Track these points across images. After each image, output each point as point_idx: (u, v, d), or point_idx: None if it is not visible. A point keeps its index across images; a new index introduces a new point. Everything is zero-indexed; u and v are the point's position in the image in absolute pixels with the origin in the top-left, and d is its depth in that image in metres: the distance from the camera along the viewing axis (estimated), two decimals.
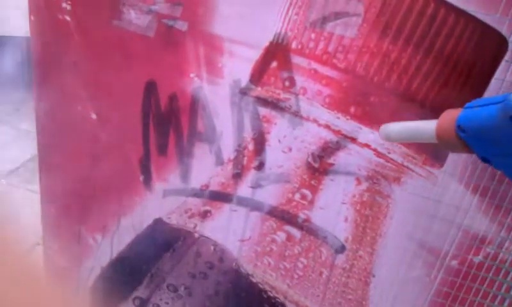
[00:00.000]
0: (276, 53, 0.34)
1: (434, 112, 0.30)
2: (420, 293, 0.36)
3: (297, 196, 0.37)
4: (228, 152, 0.38)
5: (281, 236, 0.38)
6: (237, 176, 0.38)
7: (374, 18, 0.31)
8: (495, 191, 0.32)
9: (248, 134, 0.37)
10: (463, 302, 0.35)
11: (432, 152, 0.33)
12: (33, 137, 0.44)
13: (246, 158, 0.37)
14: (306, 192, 0.37)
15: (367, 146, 0.34)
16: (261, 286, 0.41)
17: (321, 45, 0.33)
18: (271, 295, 0.40)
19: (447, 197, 0.33)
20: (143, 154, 0.40)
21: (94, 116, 0.41)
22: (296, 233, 0.38)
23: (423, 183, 0.33)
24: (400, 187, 0.34)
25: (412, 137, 0.31)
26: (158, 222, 0.42)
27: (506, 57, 0.29)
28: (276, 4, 0.33)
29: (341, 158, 0.35)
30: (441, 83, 0.31)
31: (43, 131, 0.43)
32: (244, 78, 0.35)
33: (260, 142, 0.36)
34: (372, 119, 0.33)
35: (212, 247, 0.41)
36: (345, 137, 0.34)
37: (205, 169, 0.39)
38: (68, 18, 0.38)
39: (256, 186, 0.38)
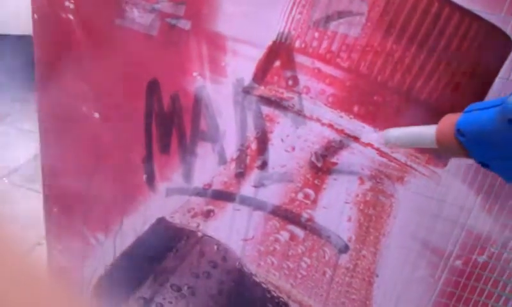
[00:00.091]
0: (280, 52, 0.34)
1: (437, 111, 0.30)
2: (424, 293, 0.36)
3: (300, 196, 0.37)
4: (231, 151, 0.38)
5: (284, 235, 0.38)
6: (240, 175, 0.38)
7: (377, 17, 0.31)
8: (498, 191, 0.32)
9: (251, 133, 0.37)
10: (467, 302, 0.35)
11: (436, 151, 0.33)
12: (35, 137, 0.44)
13: (249, 157, 0.37)
14: (310, 191, 0.36)
15: (370, 145, 0.34)
16: (264, 285, 0.40)
17: (325, 44, 0.33)
18: (275, 294, 0.40)
19: (450, 196, 0.33)
20: (146, 153, 0.40)
21: (97, 115, 0.41)
22: (299, 232, 0.38)
23: (426, 183, 0.33)
24: (403, 187, 0.34)
25: (412, 142, 0.31)
26: (161, 221, 0.42)
27: (510, 57, 0.29)
28: (279, 3, 0.33)
29: (344, 158, 0.35)
30: (445, 82, 0.31)
31: (45, 131, 0.43)
32: (248, 77, 0.35)
33: (263, 141, 0.36)
34: (376, 119, 0.33)
35: (215, 247, 0.41)
36: (349, 136, 0.34)
37: (208, 168, 0.39)
38: (71, 16, 0.38)
39: (259, 185, 0.38)
